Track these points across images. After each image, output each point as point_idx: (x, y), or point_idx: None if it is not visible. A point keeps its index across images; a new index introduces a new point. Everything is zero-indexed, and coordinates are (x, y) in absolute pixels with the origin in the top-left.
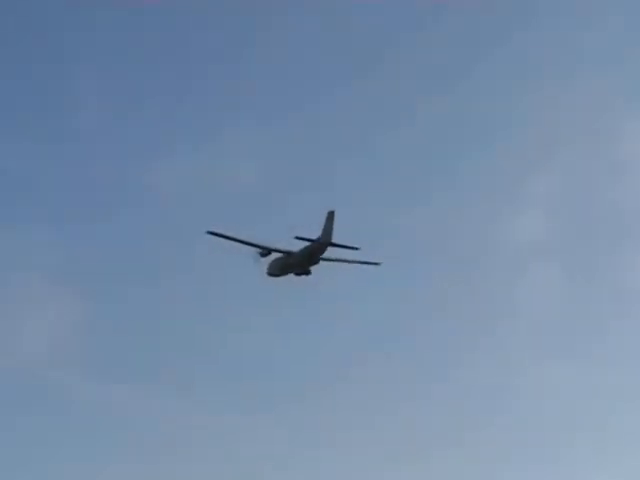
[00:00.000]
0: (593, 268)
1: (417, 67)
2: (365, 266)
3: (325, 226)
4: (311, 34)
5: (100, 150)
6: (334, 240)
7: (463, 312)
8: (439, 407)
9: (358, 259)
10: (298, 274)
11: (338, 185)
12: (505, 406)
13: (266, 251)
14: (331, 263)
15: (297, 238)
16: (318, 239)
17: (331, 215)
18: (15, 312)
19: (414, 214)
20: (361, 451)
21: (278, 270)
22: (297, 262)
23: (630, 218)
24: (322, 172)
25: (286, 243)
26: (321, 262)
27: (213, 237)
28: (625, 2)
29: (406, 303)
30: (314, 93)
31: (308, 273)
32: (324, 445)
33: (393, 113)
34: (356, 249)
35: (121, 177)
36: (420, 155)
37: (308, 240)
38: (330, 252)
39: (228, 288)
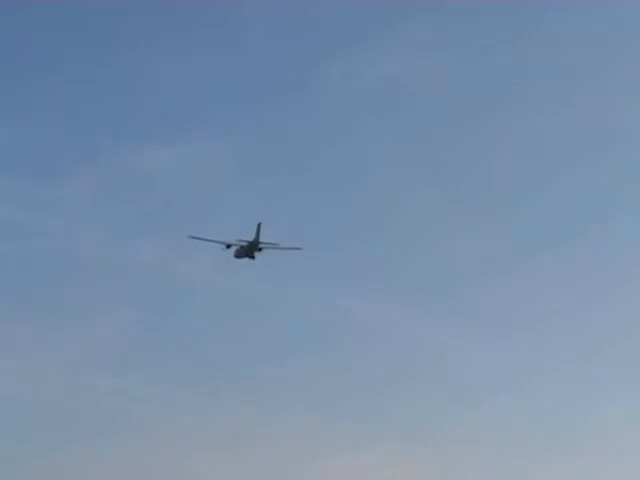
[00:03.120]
0: None
1: None
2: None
3: (257, 232)
4: None
5: None
6: (261, 240)
7: None
8: None
9: (286, 246)
10: (249, 257)
11: None
12: None
13: (228, 245)
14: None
15: (238, 240)
16: (253, 240)
17: (259, 225)
18: None
19: None
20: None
21: (238, 255)
22: (245, 251)
23: None
24: None
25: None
26: (263, 250)
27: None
28: None
29: None
30: None
31: (253, 258)
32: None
33: None
34: (276, 244)
35: None
36: None
37: (246, 241)
38: None
39: None
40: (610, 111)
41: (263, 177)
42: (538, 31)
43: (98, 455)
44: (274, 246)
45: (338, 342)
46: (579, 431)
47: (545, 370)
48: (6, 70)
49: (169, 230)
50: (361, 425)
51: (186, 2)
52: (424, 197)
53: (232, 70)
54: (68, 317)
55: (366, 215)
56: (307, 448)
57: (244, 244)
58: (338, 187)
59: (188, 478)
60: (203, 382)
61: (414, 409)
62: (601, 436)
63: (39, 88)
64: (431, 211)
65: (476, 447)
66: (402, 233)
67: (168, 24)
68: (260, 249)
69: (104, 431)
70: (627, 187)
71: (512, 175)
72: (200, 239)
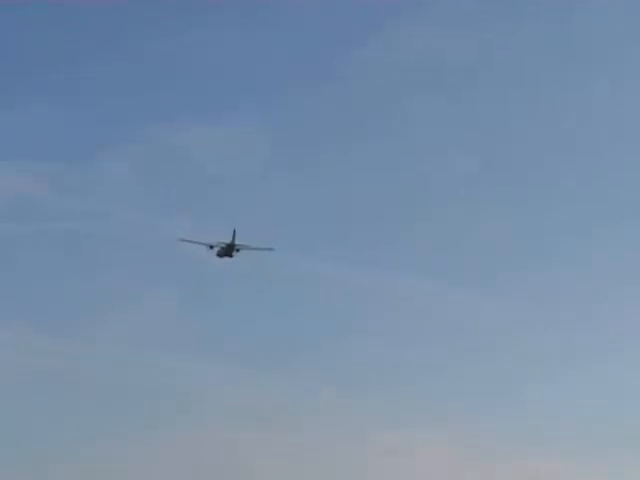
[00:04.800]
0: None
1: None
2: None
3: (232, 236)
4: None
5: None
6: (236, 242)
7: None
8: None
9: (259, 247)
10: (228, 256)
11: None
12: None
13: (211, 246)
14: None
15: (217, 242)
16: (230, 243)
17: (234, 231)
18: None
19: None
20: None
21: (220, 254)
22: (224, 251)
23: None
24: None
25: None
26: (240, 251)
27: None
28: None
29: None
30: None
31: (231, 256)
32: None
33: None
34: (248, 245)
35: None
36: None
37: (224, 243)
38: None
39: None
40: None
41: (297, 159)
42: (584, 4)
43: (151, 431)
44: (247, 247)
45: (396, 323)
46: None
47: (612, 355)
48: (43, 53)
49: (207, 209)
50: (419, 403)
51: None
52: (471, 179)
53: (270, 50)
54: (109, 297)
55: (408, 198)
56: (362, 424)
57: (223, 246)
58: (378, 169)
59: (240, 454)
60: (253, 359)
61: (473, 388)
62: None
63: (75, 71)
64: (479, 190)
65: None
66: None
67: (206, 7)
68: (238, 250)
69: (155, 408)
70: None
71: (563, 158)
72: (189, 241)
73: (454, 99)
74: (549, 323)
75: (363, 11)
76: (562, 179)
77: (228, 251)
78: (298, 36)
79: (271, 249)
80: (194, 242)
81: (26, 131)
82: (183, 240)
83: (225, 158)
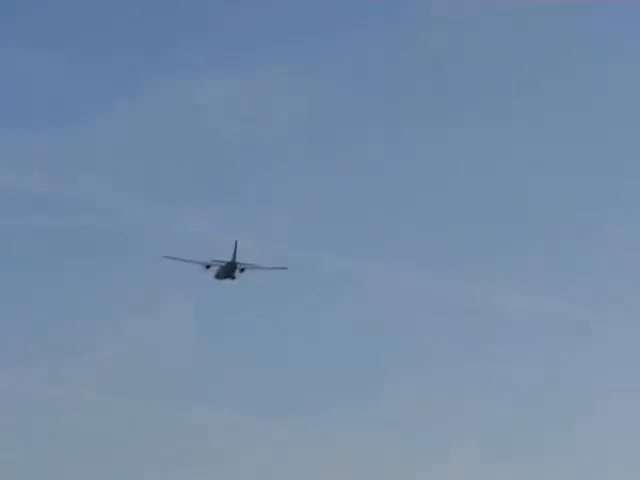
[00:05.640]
0: None
1: None
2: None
3: (234, 252)
4: None
5: None
6: (238, 260)
7: None
8: None
9: (269, 266)
10: (230, 278)
11: None
12: None
13: (208, 266)
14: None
15: (214, 261)
16: (231, 261)
17: (236, 244)
18: None
19: None
20: None
21: (218, 275)
22: (224, 272)
23: None
24: None
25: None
26: (246, 271)
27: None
28: None
29: None
30: None
31: (233, 278)
32: None
33: None
34: (255, 264)
35: None
36: None
37: (223, 262)
38: None
39: None
40: None
41: (328, 123)
42: None
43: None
44: (254, 266)
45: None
46: None
47: None
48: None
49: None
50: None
51: None
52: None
53: None
54: (121, 310)
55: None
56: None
57: (223, 264)
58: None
59: None
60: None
61: None
62: None
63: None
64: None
65: None
66: None
67: None
68: (242, 270)
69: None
70: None
71: None
72: (175, 259)
73: None
74: None
75: None
76: None
77: (229, 271)
78: None
79: (284, 268)
80: (181, 260)
81: None
82: (167, 257)
83: (245, 121)
